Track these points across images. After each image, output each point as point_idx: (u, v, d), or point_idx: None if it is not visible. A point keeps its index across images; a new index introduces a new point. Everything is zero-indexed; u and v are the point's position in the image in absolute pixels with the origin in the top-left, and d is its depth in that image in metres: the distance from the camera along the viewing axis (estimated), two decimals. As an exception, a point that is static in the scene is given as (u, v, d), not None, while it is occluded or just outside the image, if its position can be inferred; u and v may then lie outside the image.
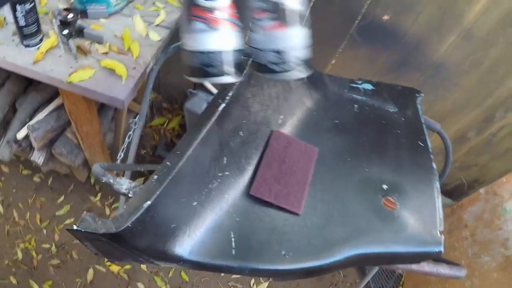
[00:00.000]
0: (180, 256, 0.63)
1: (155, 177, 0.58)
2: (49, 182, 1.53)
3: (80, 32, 0.93)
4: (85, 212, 0.54)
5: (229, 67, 0.44)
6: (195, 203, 0.65)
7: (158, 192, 0.56)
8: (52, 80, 0.84)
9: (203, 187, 0.66)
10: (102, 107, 1.36)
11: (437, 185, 0.86)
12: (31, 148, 1.24)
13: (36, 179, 1.52)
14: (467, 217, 1.44)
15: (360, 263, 0.80)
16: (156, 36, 1.00)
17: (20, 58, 0.85)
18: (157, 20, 1.04)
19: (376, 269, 1.27)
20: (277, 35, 0.43)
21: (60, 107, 1.22)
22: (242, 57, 0.46)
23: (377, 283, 1.59)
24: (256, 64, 0.47)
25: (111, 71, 0.89)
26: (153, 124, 1.77)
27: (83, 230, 0.53)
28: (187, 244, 0.64)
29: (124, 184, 0.68)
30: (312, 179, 0.78)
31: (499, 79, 1.23)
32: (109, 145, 1.44)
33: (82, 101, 1.00)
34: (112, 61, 0.90)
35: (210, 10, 0.41)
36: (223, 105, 0.69)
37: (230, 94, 0.71)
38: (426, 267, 0.84)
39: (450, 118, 1.41)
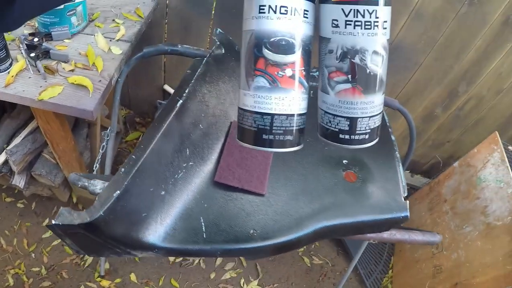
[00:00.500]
0: (154, 243, 0.71)
1: (122, 169, 0.67)
2: (33, 207, 1.60)
3: (46, 54, 1.03)
4: (61, 208, 0.63)
5: (289, 136, 0.38)
6: (163, 193, 0.73)
7: (126, 182, 0.65)
8: (24, 100, 0.93)
9: (170, 177, 0.75)
10: (75, 126, 1.45)
11: (396, 155, 0.96)
12: (12, 173, 1.32)
13: (19, 205, 1.59)
14: (445, 192, 1.54)
15: (329, 235, 0.89)
16: (118, 50, 1.09)
17: (-8, 84, 0.94)
18: (118, 35, 1.13)
19: (361, 251, 1.35)
20: (352, 101, 0.37)
21: (35, 130, 1.31)
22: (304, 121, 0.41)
23: (366, 268, 1.67)
24: (323, 129, 0.41)
25: (79, 86, 0.98)
26: (128, 139, 1.87)
27: (60, 224, 0.61)
28: (160, 231, 0.72)
29: (98, 185, 0.77)
30: (273, 161, 0.87)
31: (455, 53, 1.34)
32: (88, 164, 1.52)
33: (55, 119, 1.09)
34: (78, 77, 0.99)
35: (279, 65, 0.36)
36: (180, 101, 0.79)
37: (186, 91, 0.80)
38: (397, 234, 0.93)
39: (415, 98, 1.52)
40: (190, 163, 0.80)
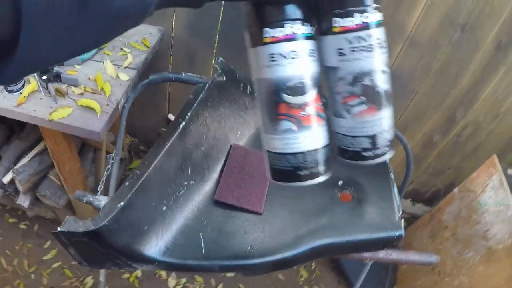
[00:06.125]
0: (154, 257, 0.76)
1: (127, 183, 0.73)
2: (35, 229, 1.66)
3: (57, 77, 1.12)
4: (67, 216, 0.69)
5: (322, 167, 0.41)
6: (164, 208, 0.79)
7: (129, 195, 0.71)
8: (35, 119, 1.01)
9: (171, 193, 0.81)
10: (81, 151, 1.53)
11: (391, 176, 1.02)
12: (17, 193, 1.39)
13: (22, 226, 1.65)
14: (446, 219, 1.58)
15: (325, 254, 0.94)
16: (125, 77, 1.18)
17: (5, 102, 1.02)
18: (125, 63, 1.23)
19: (362, 278, 1.38)
20: (370, 119, 0.41)
21: (42, 152, 1.39)
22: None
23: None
24: (344, 151, 0.43)
25: (87, 108, 1.06)
26: (132, 167, 1.94)
27: (66, 231, 0.67)
28: (160, 245, 0.78)
29: (102, 200, 0.83)
30: (270, 182, 0.93)
31: (452, 79, 1.41)
32: (92, 188, 1.59)
33: (63, 140, 1.17)
34: (87, 100, 1.08)
35: (301, 106, 0.39)
36: (183, 123, 0.86)
37: (189, 114, 0.88)
38: (394, 254, 0.98)
39: (413, 125, 1.59)
40: (191, 181, 0.86)
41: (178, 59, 1.55)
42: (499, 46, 1.30)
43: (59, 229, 0.67)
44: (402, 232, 0.91)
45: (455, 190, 1.57)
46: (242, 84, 1.02)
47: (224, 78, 0.99)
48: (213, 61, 1.52)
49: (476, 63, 1.35)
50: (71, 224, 0.67)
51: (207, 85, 0.94)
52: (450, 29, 1.28)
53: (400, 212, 0.95)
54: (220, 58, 1.00)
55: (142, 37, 1.35)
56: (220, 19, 1.37)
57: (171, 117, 1.80)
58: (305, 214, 0.91)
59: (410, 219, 1.95)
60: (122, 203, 0.70)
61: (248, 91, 1.03)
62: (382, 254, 0.96)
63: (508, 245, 1.26)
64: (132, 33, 1.37)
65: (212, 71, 1.55)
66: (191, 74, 1.14)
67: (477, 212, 1.44)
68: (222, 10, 1.35)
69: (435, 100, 1.49)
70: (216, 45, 1.46)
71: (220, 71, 0.98)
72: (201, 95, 0.92)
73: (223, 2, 1.31)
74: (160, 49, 1.42)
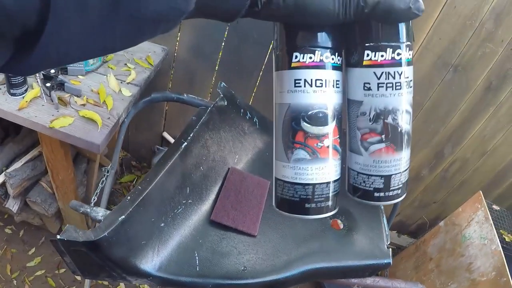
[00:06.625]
0: (149, 272, 0.78)
1: (128, 197, 0.76)
2: (21, 234, 1.64)
3: (61, 86, 1.14)
4: (68, 225, 0.70)
5: (330, 202, 0.40)
6: (162, 224, 0.82)
7: (130, 209, 0.73)
8: (36, 125, 1.02)
9: (170, 211, 0.84)
10: (75, 161, 1.53)
11: (381, 207, 1.06)
12: (6, 196, 1.38)
13: (7, 230, 1.64)
14: (431, 251, 1.62)
15: (315, 277, 0.96)
16: (128, 92, 1.21)
17: (7, 105, 1.03)
18: (128, 79, 1.26)
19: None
20: (386, 159, 0.39)
21: (36, 158, 1.40)
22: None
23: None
24: (355, 189, 0.42)
25: (88, 120, 1.08)
26: (123, 181, 1.96)
27: (65, 239, 0.69)
28: (156, 260, 0.79)
29: (100, 212, 0.85)
30: (265, 206, 0.96)
31: (442, 117, 1.48)
32: (81, 198, 1.59)
33: (60, 148, 1.18)
34: (89, 111, 1.10)
35: (318, 137, 0.38)
36: (185, 143, 0.89)
37: (191, 135, 0.91)
38: (381, 281, 1.01)
39: (403, 157, 1.64)
40: (189, 200, 0.89)
41: (178, 79, 1.58)
42: (489, 87, 1.37)
43: (58, 237, 0.68)
44: (390, 260, 0.95)
45: (441, 223, 1.61)
46: (242, 110, 1.06)
47: (225, 103, 1.02)
48: (212, 84, 1.56)
49: (466, 102, 1.42)
50: (71, 233, 0.69)
51: (209, 108, 0.98)
52: (443, 69, 1.35)
53: (389, 241, 0.99)
54: (223, 83, 1.03)
55: (146, 55, 1.38)
56: (223, 44, 1.41)
57: (166, 135, 1.82)
58: (297, 239, 0.94)
59: (395, 250, 1.99)
60: (123, 216, 0.72)
61: (247, 117, 1.07)
62: (370, 281, 0.99)
63: (491, 278, 1.30)
64: (137, 49, 1.40)
65: (210, 93, 1.59)
66: (192, 96, 1.16)
67: (461, 245, 1.48)
68: (226, 35, 1.39)
69: (425, 136, 1.55)
70: (216, 68, 1.50)
71: (222, 95, 1.02)
72: (203, 118, 0.95)
73: (227, 27, 1.36)
74: (162, 67, 1.46)
